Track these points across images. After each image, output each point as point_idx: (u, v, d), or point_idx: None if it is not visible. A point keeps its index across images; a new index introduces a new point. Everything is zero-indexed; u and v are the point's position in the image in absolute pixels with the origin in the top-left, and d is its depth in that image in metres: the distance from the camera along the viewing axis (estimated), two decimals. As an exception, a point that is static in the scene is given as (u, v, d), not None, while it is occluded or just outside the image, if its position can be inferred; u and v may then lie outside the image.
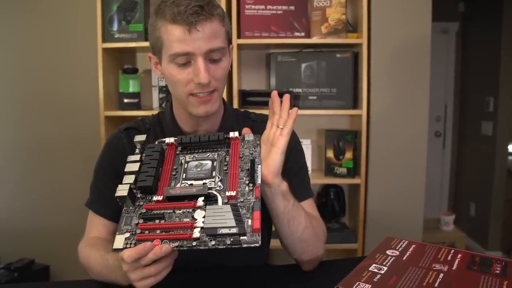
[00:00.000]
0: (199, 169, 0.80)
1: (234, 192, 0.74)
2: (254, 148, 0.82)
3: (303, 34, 1.95)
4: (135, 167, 0.79)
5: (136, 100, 2.03)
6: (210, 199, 0.74)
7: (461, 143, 3.88)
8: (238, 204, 0.73)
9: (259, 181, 0.77)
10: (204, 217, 0.71)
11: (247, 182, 0.77)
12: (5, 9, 2.21)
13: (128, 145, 0.97)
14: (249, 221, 0.70)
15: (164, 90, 2.02)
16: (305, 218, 0.88)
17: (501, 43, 3.15)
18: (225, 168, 0.79)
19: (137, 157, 0.82)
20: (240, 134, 0.85)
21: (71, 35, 2.20)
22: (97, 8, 1.90)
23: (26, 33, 2.23)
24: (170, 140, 0.86)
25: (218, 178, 0.78)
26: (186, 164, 0.82)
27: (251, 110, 1.09)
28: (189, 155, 0.83)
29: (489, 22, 3.33)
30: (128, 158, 0.82)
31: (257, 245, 0.68)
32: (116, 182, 0.95)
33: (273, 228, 0.95)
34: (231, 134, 0.83)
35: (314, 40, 1.95)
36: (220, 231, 0.69)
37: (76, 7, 2.17)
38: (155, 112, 1.09)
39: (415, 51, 1.93)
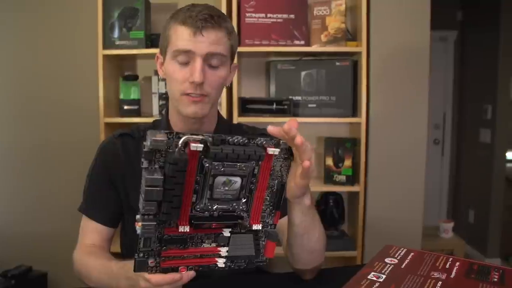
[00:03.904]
0: (227, 188, 0.69)
1: (260, 225, 0.74)
2: (284, 162, 0.74)
3: (303, 42, 1.97)
4: (158, 195, 0.61)
5: (136, 107, 2.03)
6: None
7: (459, 151, 3.89)
8: (259, 234, 0.75)
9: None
10: (228, 244, 0.73)
11: (270, 207, 0.75)
12: (6, 14, 2.22)
13: (122, 151, 1.00)
14: (263, 243, 0.75)
15: (164, 97, 2.02)
16: (319, 231, 0.88)
17: (498, 51, 3.17)
18: (252, 186, 0.72)
19: (158, 178, 0.60)
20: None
21: (72, 41, 2.21)
22: (98, 14, 1.91)
23: (26, 39, 2.24)
24: (197, 147, 0.63)
25: (244, 199, 0.72)
26: (211, 179, 0.67)
27: (243, 122, 1.13)
28: (217, 163, 0.67)
29: (487, 31, 3.36)
30: (145, 174, 0.60)
31: (265, 263, 0.76)
32: (110, 187, 0.99)
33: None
34: (270, 151, 0.70)
35: (314, 48, 1.96)
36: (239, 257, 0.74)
37: (77, 13, 2.19)
38: (154, 119, 1.11)
39: (414, 59, 1.94)
